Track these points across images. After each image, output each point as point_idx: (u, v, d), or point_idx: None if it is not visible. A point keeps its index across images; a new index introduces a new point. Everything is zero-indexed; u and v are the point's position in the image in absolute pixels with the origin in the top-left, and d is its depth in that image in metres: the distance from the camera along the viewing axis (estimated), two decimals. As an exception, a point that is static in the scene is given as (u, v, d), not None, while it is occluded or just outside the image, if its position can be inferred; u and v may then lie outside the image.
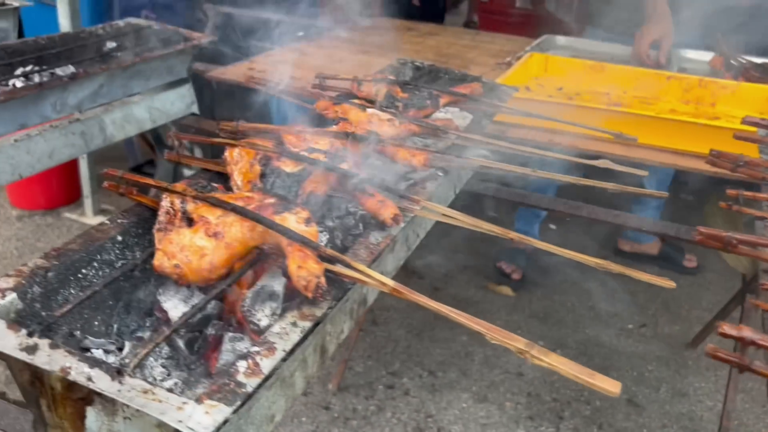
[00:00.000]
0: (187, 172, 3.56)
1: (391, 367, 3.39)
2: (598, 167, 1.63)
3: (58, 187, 4.22)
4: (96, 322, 1.13)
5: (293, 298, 1.23)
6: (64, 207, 4.34)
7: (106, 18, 4.20)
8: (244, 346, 1.08)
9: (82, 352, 1.04)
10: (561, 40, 3.65)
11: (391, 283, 1.03)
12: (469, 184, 1.99)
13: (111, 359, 1.08)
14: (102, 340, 1.09)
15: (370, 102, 1.80)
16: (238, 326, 1.16)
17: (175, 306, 1.13)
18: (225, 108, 3.37)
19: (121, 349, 1.11)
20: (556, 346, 3.49)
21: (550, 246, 1.22)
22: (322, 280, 1.04)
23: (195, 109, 2.44)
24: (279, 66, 2.92)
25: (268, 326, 1.13)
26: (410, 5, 5.23)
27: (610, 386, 0.93)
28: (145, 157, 4.54)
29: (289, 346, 0.96)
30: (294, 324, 1.01)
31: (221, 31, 3.79)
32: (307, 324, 1.01)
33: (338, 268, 1.10)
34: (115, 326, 1.15)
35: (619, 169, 1.55)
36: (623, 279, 4.16)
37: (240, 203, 1.15)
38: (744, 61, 3.11)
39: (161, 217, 1.15)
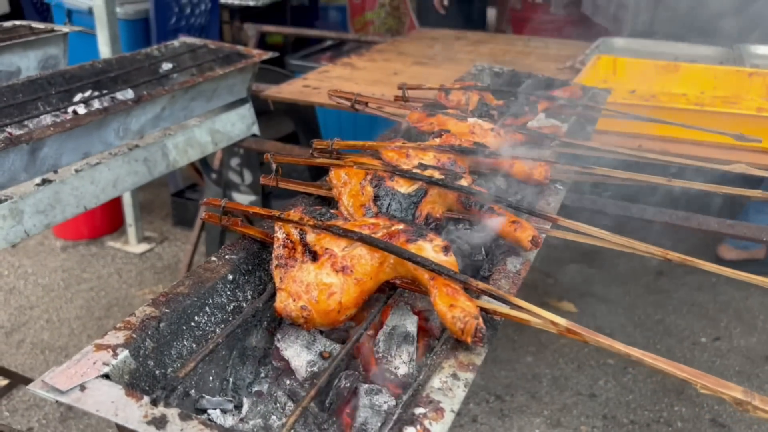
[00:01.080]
0: (236, 196, 3.44)
1: (455, 392, 3.20)
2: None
3: (101, 216, 4.13)
4: (210, 377, 0.97)
5: (421, 337, 1.07)
6: (107, 236, 4.25)
7: (145, 43, 4.14)
8: (383, 400, 0.92)
9: (198, 413, 0.88)
10: (618, 41, 3.48)
11: (563, 322, 0.86)
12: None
13: (229, 421, 0.93)
14: (218, 398, 0.94)
15: (461, 111, 1.65)
16: (368, 374, 1.00)
17: (297, 354, 0.97)
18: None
19: (239, 407, 0.95)
20: (626, 364, 3.28)
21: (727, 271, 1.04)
22: (481, 321, 0.87)
23: (256, 130, 2.30)
24: (335, 82, 2.79)
25: (408, 374, 0.97)
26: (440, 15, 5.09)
27: None
28: (186, 182, 4.43)
29: (456, 405, 0.80)
30: (455, 376, 0.85)
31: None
32: (470, 376, 0.85)
33: (489, 304, 0.93)
34: (231, 380, 0.99)
35: (760, 174, 1.37)
36: (689, 289, 3.94)
37: (366, 231, 0.99)
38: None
39: (278, 251, 1.00)
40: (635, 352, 0.81)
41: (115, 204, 4.05)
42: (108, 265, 3.98)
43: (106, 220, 4.20)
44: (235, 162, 3.32)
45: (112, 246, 4.16)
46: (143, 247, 4.14)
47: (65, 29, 2.38)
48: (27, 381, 2.91)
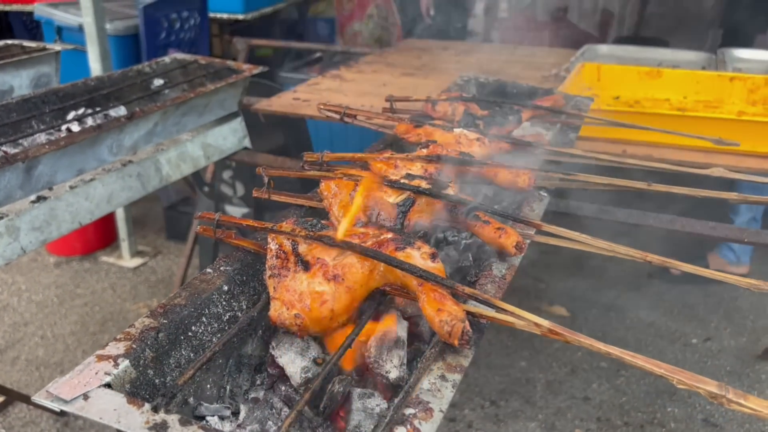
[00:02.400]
0: (229, 209, 3.47)
1: (450, 398, 3.22)
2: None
3: (94, 232, 4.14)
4: (208, 385, 1.00)
5: (411, 342, 1.11)
6: (100, 251, 4.26)
7: (135, 58, 4.17)
8: (375, 403, 0.96)
9: (197, 420, 0.91)
10: (603, 48, 3.55)
11: (545, 323, 0.90)
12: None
13: (227, 427, 0.96)
14: (216, 405, 0.97)
15: (448, 122, 1.69)
16: (360, 378, 1.04)
17: (291, 360, 1.00)
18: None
19: (236, 414, 0.98)
20: (619, 367, 3.32)
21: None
22: (467, 324, 0.91)
23: (247, 143, 2.34)
24: (324, 94, 2.83)
25: (399, 378, 1.00)
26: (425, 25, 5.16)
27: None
28: (178, 196, 4.45)
29: (445, 405, 0.83)
30: (443, 377, 0.88)
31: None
32: (457, 377, 0.88)
33: (475, 308, 0.97)
34: (228, 387, 1.03)
35: (736, 178, 1.42)
36: (680, 291, 3.98)
37: (356, 241, 1.03)
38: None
39: (271, 261, 1.03)
40: (615, 351, 0.85)
41: (108, 219, 4.07)
42: (102, 280, 4.00)
43: (99, 235, 4.21)
44: (227, 175, 3.35)
45: (106, 261, 4.18)
46: (137, 261, 4.15)
47: (57, 47, 2.42)
48: (23, 398, 2.92)
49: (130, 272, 4.08)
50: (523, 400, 3.18)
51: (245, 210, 3.36)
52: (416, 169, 1.36)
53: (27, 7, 4.81)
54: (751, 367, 3.39)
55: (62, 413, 2.95)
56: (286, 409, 0.98)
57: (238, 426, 0.95)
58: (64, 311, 3.72)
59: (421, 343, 1.13)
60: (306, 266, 1.01)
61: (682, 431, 3.01)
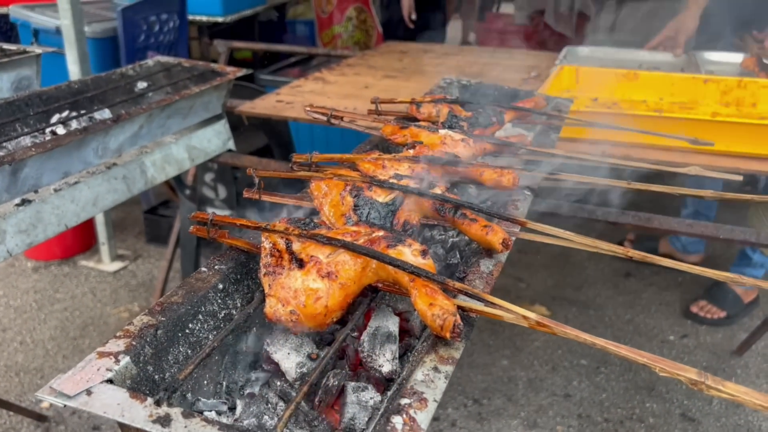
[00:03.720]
0: (211, 212, 3.46)
1: (433, 397, 3.25)
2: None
3: (73, 236, 4.10)
4: (205, 381, 1.02)
5: (402, 337, 1.14)
6: (79, 255, 4.22)
7: (114, 61, 4.14)
8: (369, 396, 0.98)
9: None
10: (583, 50, 3.61)
11: (533, 316, 0.94)
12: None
13: (224, 422, 0.97)
14: (213, 400, 0.99)
15: (432, 123, 1.72)
16: (354, 373, 1.06)
17: (286, 356, 1.03)
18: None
19: (232, 409, 1.00)
20: (599, 364, 3.39)
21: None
22: (458, 318, 0.94)
23: (231, 145, 2.35)
24: (307, 96, 2.85)
25: (391, 372, 1.03)
26: (405, 28, 5.20)
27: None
28: (158, 199, 4.43)
29: (438, 395, 0.86)
30: (436, 369, 0.91)
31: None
32: (449, 368, 0.91)
33: (465, 303, 1.00)
34: (224, 383, 1.04)
35: (711, 176, 1.47)
36: (657, 289, 4.03)
37: (348, 239, 1.05)
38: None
39: (266, 259, 1.05)
40: (599, 341, 0.89)
41: (88, 223, 4.03)
42: (81, 285, 3.96)
43: (79, 239, 4.17)
44: (209, 177, 3.35)
45: (85, 265, 4.14)
46: (117, 265, 4.13)
47: (38, 50, 2.40)
48: (2, 403, 2.89)
49: (110, 276, 4.05)
50: (506, 398, 3.22)
51: (227, 212, 3.36)
52: (404, 169, 1.39)
53: (2, 9, 4.75)
54: (727, 363, 3.48)
55: (43, 419, 2.92)
56: (281, 403, 1.00)
57: (235, 420, 0.97)
58: (43, 316, 3.68)
59: (411, 339, 1.16)
60: (300, 264, 1.03)
61: (660, 426, 3.08)
